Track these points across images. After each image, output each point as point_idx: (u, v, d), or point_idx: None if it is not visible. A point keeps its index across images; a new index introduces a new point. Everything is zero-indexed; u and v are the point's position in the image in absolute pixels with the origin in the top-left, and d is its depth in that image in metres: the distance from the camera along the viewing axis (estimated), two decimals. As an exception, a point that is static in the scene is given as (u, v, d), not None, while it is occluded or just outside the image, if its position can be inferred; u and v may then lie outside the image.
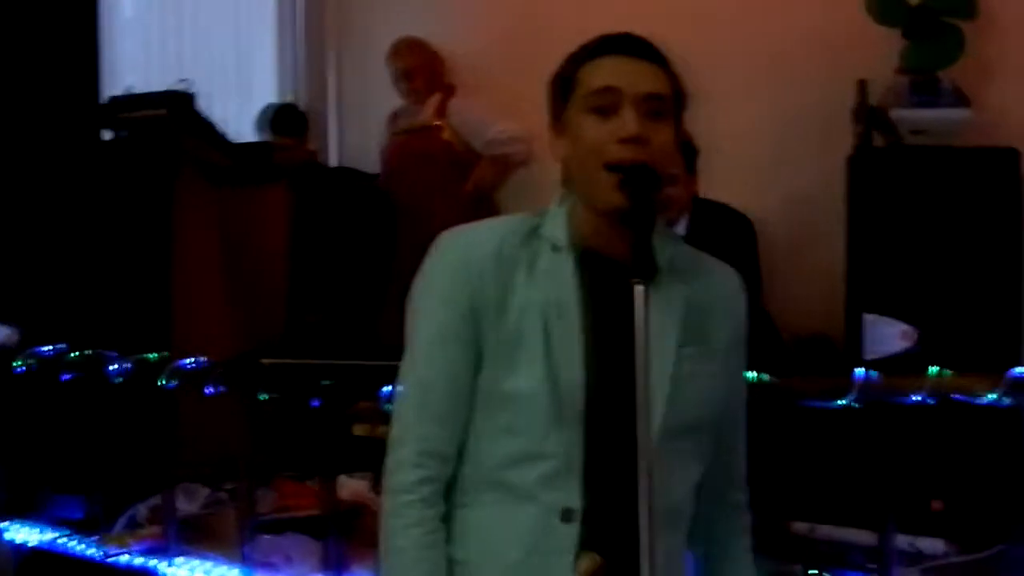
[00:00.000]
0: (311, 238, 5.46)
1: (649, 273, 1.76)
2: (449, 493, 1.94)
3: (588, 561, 1.79)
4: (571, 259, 1.92)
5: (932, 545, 4.13)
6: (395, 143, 5.75)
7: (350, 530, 4.00)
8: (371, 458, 4.69)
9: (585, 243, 1.93)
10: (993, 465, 4.00)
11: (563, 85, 1.93)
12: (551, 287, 1.90)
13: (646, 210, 1.82)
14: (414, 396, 1.93)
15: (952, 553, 4.10)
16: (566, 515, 1.86)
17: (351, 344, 5.19)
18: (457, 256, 1.93)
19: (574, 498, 1.86)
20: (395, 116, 5.83)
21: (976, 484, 4.19)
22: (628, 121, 1.84)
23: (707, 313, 1.96)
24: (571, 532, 1.86)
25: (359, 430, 4.69)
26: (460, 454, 1.93)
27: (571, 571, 1.85)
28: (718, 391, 1.98)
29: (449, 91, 5.68)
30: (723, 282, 2.04)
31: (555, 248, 1.92)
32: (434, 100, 5.64)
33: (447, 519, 1.93)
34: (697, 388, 1.92)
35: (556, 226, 1.94)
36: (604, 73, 1.88)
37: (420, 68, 5.64)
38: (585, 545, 1.86)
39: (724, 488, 2.08)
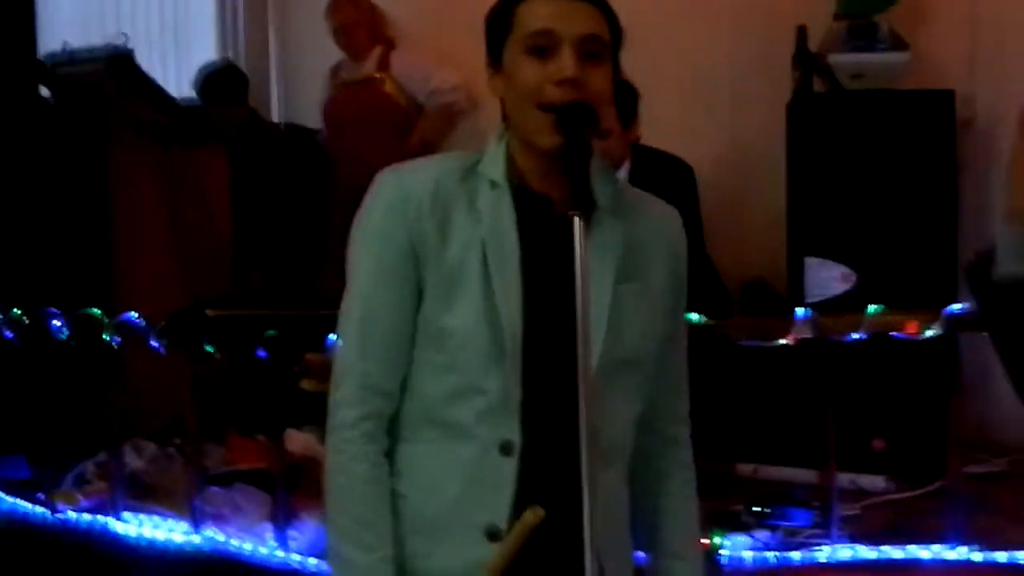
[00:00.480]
0: (252, 196, 5.44)
1: (587, 207, 1.77)
2: (392, 428, 1.94)
3: (531, 514, 1.79)
4: (508, 196, 1.92)
5: (873, 482, 4.22)
6: (337, 96, 5.72)
7: (298, 483, 4.03)
8: (319, 412, 4.74)
9: (521, 180, 1.93)
10: (931, 402, 4.07)
11: (500, 23, 1.92)
12: (490, 224, 1.90)
13: (581, 147, 1.83)
14: (355, 333, 1.91)
15: (892, 490, 4.19)
16: (505, 449, 1.87)
17: (294, 299, 5.20)
18: (395, 193, 1.91)
19: (513, 432, 1.87)
20: (337, 69, 5.80)
21: (916, 421, 4.28)
22: (565, 63, 1.83)
23: (646, 251, 1.97)
24: (510, 465, 1.87)
25: (307, 385, 4.71)
26: (402, 390, 1.93)
27: (509, 505, 1.86)
28: (655, 327, 1.98)
29: (389, 44, 5.65)
30: (663, 221, 2.04)
31: (493, 185, 1.92)
32: (375, 53, 5.61)
33: (390, 453, 1.93)
34: (634, 324, 1.92)
35: (494, 163, 1.94)
36: (541, 14, 1.86)
37: (359, 22, 5.60)
38: (523, 478, 1.87)
39: (664, 423, 2.07)
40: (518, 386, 1.86)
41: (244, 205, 5.43)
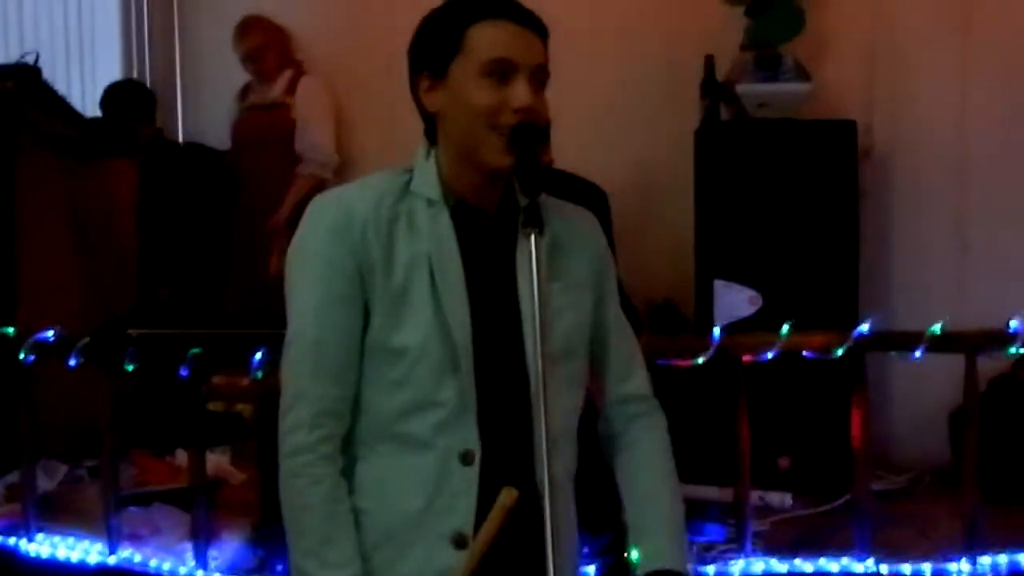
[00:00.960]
0: (158, 213, 5.40)
1: (540, 223, 1.86)
2: (346, 446, 1.99)
3: (506, 495, 1.84)
4: (446, 214, 1.98)
5: (780, 499, 4.34)
6: (244, 119, 5.69)
7: (214, 502, 4.02)
8: (227, 432, 4.71)
9: (457, 196, 1.99)
10: (836, 420, 4.19)
11: (446, 38, 1.96)
12: (432, 243, 1.96)
13: (535, 166, 1.92)
14: (307, 358, 1.94)
15: (799, 506, 4.32)
16: (465, 458, 1.93)
17: (199, 316, 5.18)
18: (337, 218, 1.94)
19: (471, 441, 1.94)
20: (246, 91, 5.77)
21: (820, 439, 4.41)
22: (523, 92, 1.91)
23: (568, 251, 2.06)
24: (472, 473, 1.93)
25: (215, 406, 4.69)
26: (353, 408, 1.97)
27: (473, 512, 1.92)
28: (584, 319, 2.07)
29: (298, 67, 5.65)
30: (580, 222, 2.13)
31: (430, 203, 1.98)
32: (285, 77, 5.60)
33: (347, 471, 1.98)
34: (565, 319, 2.01)
35: (427, 181, 1.99)
36: (501, 41, 1.93)
37: (267, 47, 5.58)
38: (484, 484, 1.93)
39: (625, 402, 2.15)
40: (473, 395, 1.93)
41: (150, 221, 5.38)
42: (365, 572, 1.94)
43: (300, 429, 1.93)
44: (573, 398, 2.06)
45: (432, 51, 1.97)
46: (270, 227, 5.23)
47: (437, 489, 1.93)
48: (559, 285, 2.01)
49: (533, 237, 1.86)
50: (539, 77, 1.95)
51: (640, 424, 2.16)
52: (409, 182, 2.00)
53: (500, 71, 1.92)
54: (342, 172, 5.54)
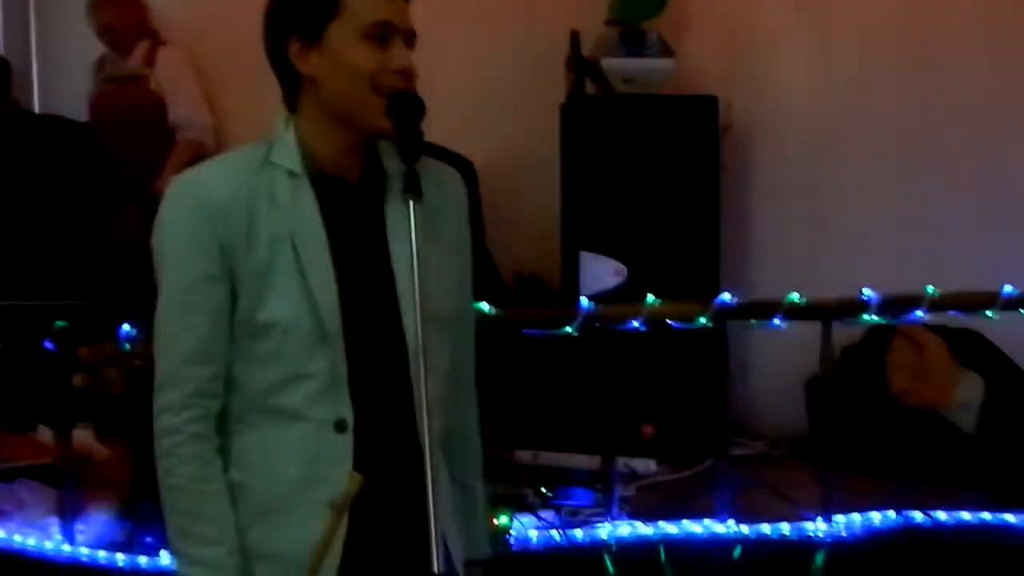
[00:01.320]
0: (14, 187, 5.27)
1: (418, 190, 1.89)
2: (222, 422, 2.00)
3: (350, 481, 1.86)
4: (308, 185, 1.99)
5: (645, 465, 4.44)
6: (102, 92, 5.58)
7: (80, 478, 3.97)
8: (93, 409, 4.64)
9: (319, 167, 2.00)
10: (698, 389, 4.32)
11: (322, 1, 1.96)
12: (295, 216, 1.97)
13: (415, 134, 1.95)
14: (177, 339, 1.96)
15: (663, 472, 4.43)
16: (339, 426, 1.96)
17: (62, 290, 5.07)
18: (197, 199, 1.95)
19: (345, 410, 1.96)
20: (102, 63, 5.65)
21: (684, 407, 4.53)
22: (403, 54, 1.95)
23: (437, 212, 2.06)
24: (346, 441, 1.96)
25: (79, 380, 4.62)
26: (225, 384, 1.99)
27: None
28: (453, 283, 2.11)
29: (156, 37, 5.56)
30: (448, 182, 2.16)
31: (291, 175, 1.99)
32: (142, 48, 5.50)
33: (223, 447, 2.00)
34: (438, 282, 2.02)
35: (288, 153, 2.00)
36: (381, 5, 1.96)
37: (122, 19, 5.47)
38: (359, 452, 1.96)
39: (463, 373, 2.20)
40: (343, 365, 1.96)
41: (5, 197, 5.25)
42: (246, 545, 1.97)
43: (170, 410, 1.95)
44: (445, 363, 2.09)
45: (304, 14, 1.97)
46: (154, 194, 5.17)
47: (313, 459, 1.96)
48: (432, 246, 2.01)
49: (412, 204, 1.88)
50: (410, 40, 1.99)
51: (469, 399, 2.24)
52: (268, 155, 2.00)
53: (380, 34, 1.94)
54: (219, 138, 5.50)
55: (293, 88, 2.01)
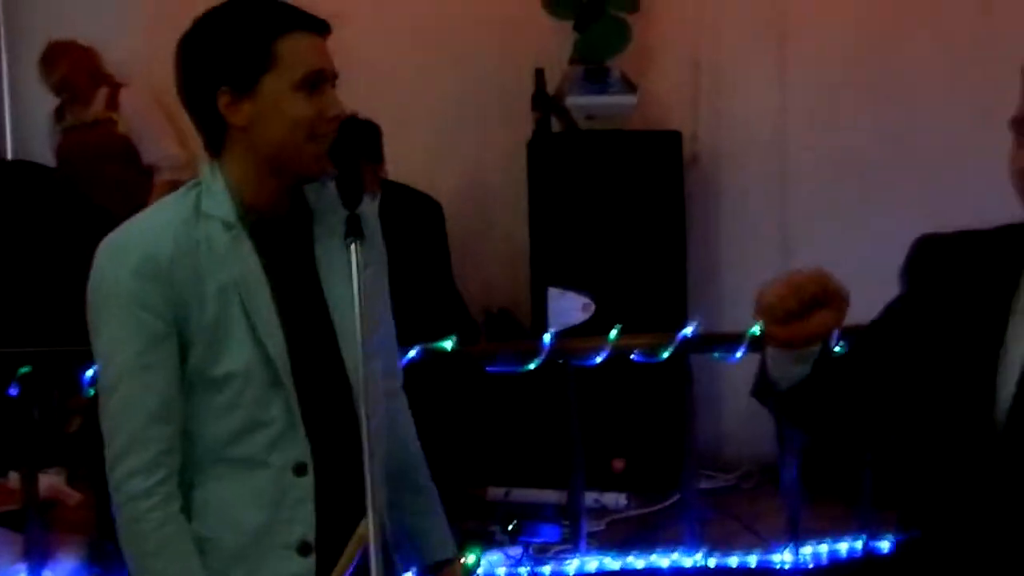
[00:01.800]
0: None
1: (359, 233, 1.89)
2: (180, 476, 1.98)
3: (363, 527, 1.84)
4: (245, 235, 1.98)
5: (615, 500, 4.46)
6: (68, 139, 5.58)
7: (49, 522, 3.96)
8: (65, 452, 4.63)
9: (251, 211, 1.99)
10: (667, 421, 4.33)
11: (255, 53, 1.95)
12: (236, 266, 1.96)
13: (355, 176, 1.96)
14: (136, 402, 1.92)
15: (633, 506, 4.44)
16: (299, 469, 1.97)
17: (40, 335, 5.07)
18: (141, 257, 1.92)
19: (302, 453, 1.97)
20: (61, 112, 5.67)
21: (653, 440, 4.54)
22: (335, 101, 1.97)
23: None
24: (307, 482, 1.97)
25: (75, 425, 4.64)
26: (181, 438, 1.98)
27: (313, 519, 1.97)
28: (380, 298, 2.14)
29: (112, 82, 5.56)
30: (368, 208, 2.10)
31: (227, 226, 1.97)
32: (102, 94, 5.51)
33: (184, 500, 1.98)
34: (372, 310, 2.01)
35: (218, 202, 1.98)
36: (311, 55, 1.96)
37: (76, 71, 5.48)
38: (320, 491, 1.97)
39: (389, 379, 2.19)
40: (297, 408, 1.97)
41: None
42: None
43: (138, 475, 1.91)
44: (383, 382, 2.12)
45: (236, 66, 1.95)
46: None
47: (276, 503, 1.97)
48: (367, 271, 1.99)
49: (354, 248, 1.87)
50: (334, 82, 2.00)
51: (395, 404, 2.23)
52: (198, 205, 1.99)
53: (314, 81, 1.95)
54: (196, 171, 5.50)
55: (218, 135, 1.99)
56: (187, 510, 1.97)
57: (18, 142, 6.26)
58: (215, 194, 1.98)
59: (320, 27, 2.00)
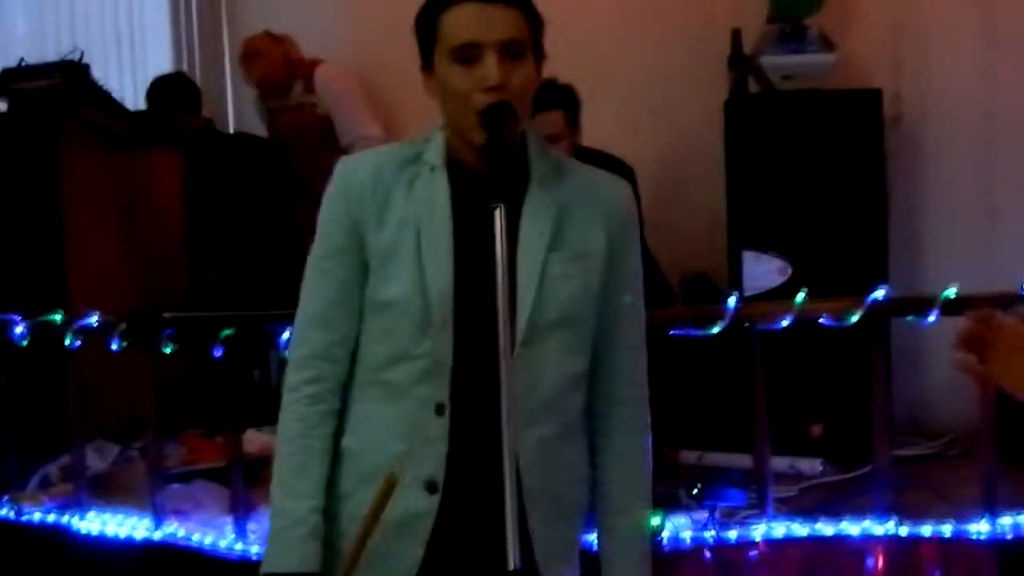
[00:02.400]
0: (206, 201, 5.54)
1: (508, 197, 1.93)
2: (347, 390, 2.13)
3: (384, 480, 1.96)
4: (444, 176, 2.09)
5: (811, 465, 4.38)
6: (274, 120, 5.79)
7: (257, 478, 4.15)
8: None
9: (459, 162, 2.09)
10: (866, 385, 4.23)
11: (426, 31, 2.08)
12: (424, 202, 2.08)
13: (502, 142, 2.00)
14: (305, 305, 2.13)
15: (830, 472, 4.36)
16: (439, 409, 2.05)
17: (254, 298, 5.30)
18: (342, 180, 2.12)
19: (444, 394, 2.05)
20: (261, 97, 5.89)
21: (853, 406, 4.44)
22: (490, 72, 2.00)
23: (581, 219, 2.11)
24: (443, 424, 2.04)
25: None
26: (353, 355, 2.13)
27: (444, 461, 2.04)
28: (589, 289, 2.11)
29: (308, 68, 5.75)
30: (603, 191, 2.17)
31: (432, 169, 2.10)
32: (300, 81, 5.72)
33: (344, 413, 2.12)
34: (564, 288, 2.06)
35: (435, 149, 2.12)
36: (463, 26, 2.02)
37: (273, 68, 5.67)
38: (454, 436, 2.04)
39: (611, 383, 2.18)
40: (450, 351, 2.04)
41: (198, 208, 5.53)
42: (347, 507, 2.09)
43: (292, 369, 2.12)
44: (570, 366, 2.11)
45: (421, 45, 2.10)
46: None
47: (413, 435, 2.06)
48: (559, 255, 2.07)
49: (498, 211, 1.90)
50: (511, 50, 2.03)
51: (620, 415, 2.20)
52: (421, 152, 2.13)
53: (467, 55, 2.02)
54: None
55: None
56: (343, 422, 2.12)
57: (239, 115, 6.57)
58: (434, 143, 2.13)
59: None
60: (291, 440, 2.09)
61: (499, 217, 1.91)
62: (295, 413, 2.09)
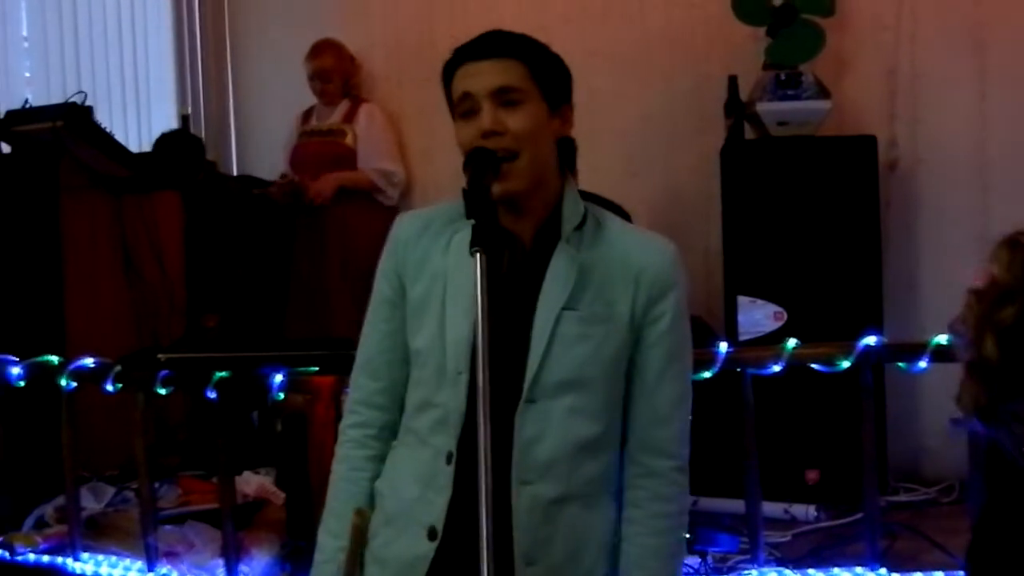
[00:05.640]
0: (207, 243, 5.57)
1: (487, 243, 1.91)
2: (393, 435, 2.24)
3: (355, 517, 2.16)
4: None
5: (805, 511, 4.38)
6: (302, 144, 5.88)
7: (250, 520, 4.16)
8: (275, 454, 4.85)
9: (499, 220, 2.05)
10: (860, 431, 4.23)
11: (447, 96, 2.17)
12: (455, 256, 2.13)
13: (481, 189, 2.00)
14: (358, 354, 2.25)
15: (824, 518, 4.36)
16: (448, 458, 2.09)
17: (254, 341, 5.32)
18: (393, 234, 2.23)
19: (453, 443, 2.08)
20: (307, 115, 5.96)
21: (848, 451, 4.43)
22: (483, 119, 2.06)
23: (607, 282, 2.08)
24: (450, 473, 2.08)
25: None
26: (399, 402, 2.22)
27: (446, 508, 2.07)
28: (606, 353, 2.06)
29: (358, 98, 5.85)
30: (635, 254, 2.10)
31: (469, 223, 2.07)
32: (343, 105, 5.82)
33: (385, 457, 2.23)
34: (576, 349, 2.05)
35: None
36: (461, 83, 2.10)
37: (336, 70, 5.80)
38: (458, 486, 2.06)
39: (637, 452, 2.13)
40: (463, 402, 2.07)
41: (198, 251, 5.57)
42: (371, 548, 2.17)
43: (345, 413, 2.28)
44: (578, 429, 2.07)
45: (450, 110, 2.18)
46: (315, 198, 5.60)
47: (426, 483, 2.11)
48: (576, 314, 2.07)
49: (479, 257, 1.89)
50: (504, 97, 2.07)
51: (648, 486, 2.15)
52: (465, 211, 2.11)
53: (466, 108, 2.09)
54: (409, 196, 5.81)
55: None
56: (385, 466, 2.22)
57: (241, 157, 6.63)
58: None
59: (476, 51, 2.10)
60: (335, 482, 2.24)
61: (479, 263, 1.90)
62: (341, 455, 2.25)
